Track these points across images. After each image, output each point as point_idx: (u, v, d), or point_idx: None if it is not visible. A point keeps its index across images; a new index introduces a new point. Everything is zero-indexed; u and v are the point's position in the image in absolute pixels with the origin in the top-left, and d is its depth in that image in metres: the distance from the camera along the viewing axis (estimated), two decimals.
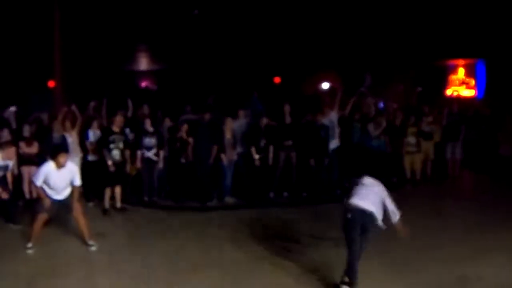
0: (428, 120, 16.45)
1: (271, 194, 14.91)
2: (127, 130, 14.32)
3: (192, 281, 9.10)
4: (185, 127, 14.36)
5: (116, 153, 13.59)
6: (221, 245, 10.95)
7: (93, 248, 10.63)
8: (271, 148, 14.61)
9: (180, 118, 15.38)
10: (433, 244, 10.78)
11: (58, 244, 10.89)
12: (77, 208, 10.66)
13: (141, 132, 14.30)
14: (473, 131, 17.12)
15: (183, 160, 14.33)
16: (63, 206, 10.54)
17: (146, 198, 14.27)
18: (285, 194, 14.99)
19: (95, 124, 14.24)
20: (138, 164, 14.18)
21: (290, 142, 14.70)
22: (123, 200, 13.85)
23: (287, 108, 14.95)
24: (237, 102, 16.72)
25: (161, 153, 14.31)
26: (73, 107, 14.52)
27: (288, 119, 14.91)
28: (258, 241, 11.17)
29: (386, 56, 23.50)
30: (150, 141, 14.18)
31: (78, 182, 10.60)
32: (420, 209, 13.44)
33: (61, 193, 10.47)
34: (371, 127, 15.66)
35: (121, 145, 13.69)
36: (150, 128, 14.24)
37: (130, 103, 15.60)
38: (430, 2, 22.62)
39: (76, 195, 10.65)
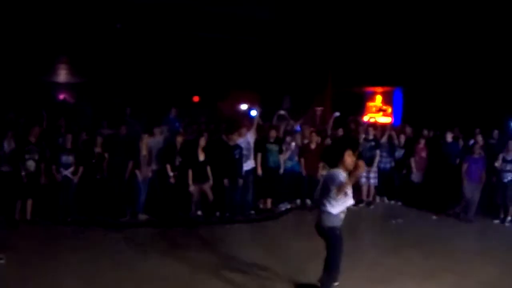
0: None
1: (180, 213, 14.79)
2: (43, 143, 14.05)
3: None
4: (99, 140, 14.21)
5: (30, 164, 13.39)
6: (132, 261, 10.85)
7: (2, 261, 10.38)
8: (190, 172, 14.51)
9: (96, 132, 15.20)
10: (346, 266, 10.90)
11: None
12: None
13: (57, 149, 14.06)
14: (387, 157, 17.42)
15: (98, 176, 14.17)
16: None
17: (60, 218, 13.86)
18: (199, 213, 14.89)
19: (10, 134, 13.93)
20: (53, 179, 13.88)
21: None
22: (34, 214, 13.61)
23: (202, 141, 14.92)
24: (155, 118, 16.63)
25: (80, 170, 14.09)
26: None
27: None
28: (169, 258, 11.11)
29: (305, 80, 23.79)
30: (67, 158, 13.95)
31: None
32: None
33: None
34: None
35: (36, 156, 13.48)
36: (69, 145, 14.01)
37: (44, 115, 15.35)
38: (351, 29, 23.01)
39: None
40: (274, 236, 13.33)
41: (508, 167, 15.32)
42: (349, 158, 8.54)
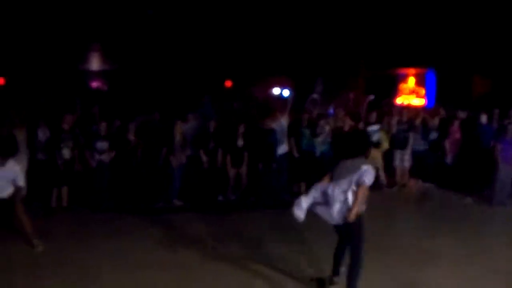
0: (374, 129, 16.59)
1: (220, 197, 14.92)
2: (77, 131, 14.17)
3: (139, 282, 9.06)
4: (132, 127, 14.31)
5: (65, 152, 13.49)
6: (168, 246, 10.91)
7: (39, 248, 10.48)
8: (220, 152, 14.65)
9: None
10: (379, 249, 10.89)
11: (1, 244, 10.74)
12: (19, 208, 10.50)
13: (92, 136, 14.16)
14: (421, 140, 17.30)
15: (133, 163, 14.29)
16: (3, 205, 10.35)
17: (96, 205, 13.91)
18: (233, 197, 14.98)
19: (42, 123, 14.06)
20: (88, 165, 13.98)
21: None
22: (70, 201, 13.75)
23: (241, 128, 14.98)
24: (188, 104, 16.68)
25: (112, 154, 14.14)
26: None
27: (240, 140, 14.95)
28: (205, 243, 11.21)
29: (337, 63, 23.69)
30: (102, 144, 14.00)
31: (21, 182, 10.46)
32: (369, 214, 13.58)
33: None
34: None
35: (70, 144, 13.59)
36: (103, 132, 14.10)
37: (78, 103, 15.46)
38: (383, 11, 22.84)
39: (18, 195, 10.50)
40: (307, 220, 13.30)
41: None
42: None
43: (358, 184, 8.11)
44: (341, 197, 8.20)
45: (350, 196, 8.19)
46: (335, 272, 8.91)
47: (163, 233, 11.93)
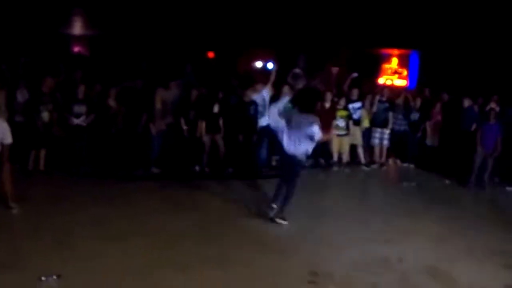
0: (356, 106, 16.63)
1: (196, 167, 14.84)
2: (58, 95, 14.01)
3: (118, 249, 8.93)
4: (113, 92, 14.18)
5: (44, 115, 13.36)
6: (147, 214, 10.87)
7: (15, 211, 10.42)
8: (200, 121, 14.54)
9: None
10: (357, 225, 10.99)
11: None
12: (6, 168, 10.38)
13: (70, 99, 13.99)
14: (402, 120, 17.34)
15: (113, 130, 14.20)
16: None
17: (73, 170, 13.81)
18: (210, 168, 14.90)
19: (22, 84, 13.89)
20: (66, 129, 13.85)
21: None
22: (48, 164, 13.64)
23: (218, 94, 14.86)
24: (170, 72, 16.56)
25: (91, 117, 14.00)
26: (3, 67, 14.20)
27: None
28: (184, 211, 11.21)
29: (321, 39, 23.61)
30: (80, 108, 13.86)
31: (9, 139, 10.33)
32: (346, 191, 13.64)
33: None
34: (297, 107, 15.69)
35: (50, 107, 13.46)
36: (80, 95, 13.92)
37: (62, 68, 15.29)
38: None
39: (6, 153, 10.36)
40: None
41: None
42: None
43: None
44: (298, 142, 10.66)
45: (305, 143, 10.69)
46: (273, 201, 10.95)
47: (141, 201, 11.89)
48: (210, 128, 14.62)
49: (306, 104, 11.63)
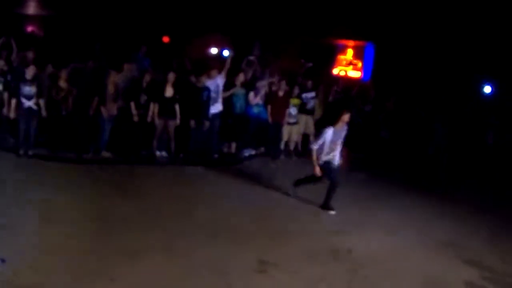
0: (310, 96, 16.70)
1: (148, 152, 14.74)
2: (9, 77, 13.78)
3: (62, 233, 8.84)
4: (64, 74, 13.98)
5: None
6: (93, 199, 10.79)
7: None
8: (152, 105, 14.41)
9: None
10: (307, 215, 11.05)
11: None
12: None
13: (20, 80, 13.68)
14: (354, 111, 17.46)
15: (63, 112, 14.00)
16: None
17: (21, 152, 13.49)
18: (163, 153, 14.84)
19: None
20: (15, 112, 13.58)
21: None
22: None
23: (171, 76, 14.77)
24: (124, 55, 16.40)
25: (41, 102, 13.69)
26: None
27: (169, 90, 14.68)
28: (132, 197, 11.15)
29: (277, 27, 23.60)
30: (29, 89, 13.49)
31: None
32: (295, 180, 13.68)
33: None
34: (251, 95, 15.69)
35: (0, 87, 13.22)
36: (29, 76, 13.55)
37: (14, 44, 15.00)
38: None
39: None
40: (235, 181, 13.36)
41: None
42: None
43: None
44: None
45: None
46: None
47: (89, 185, 11.80)
48: (164, 112, 14.51)
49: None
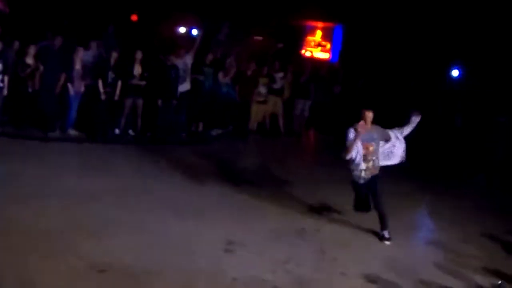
0: (278, 76, 16.73)
1: (116, 131, 14.66)
2: None
3: (29, 210, 8.70)
4: (32, 51, 13.81)
5: None
6: (61, 175, 10.65)
7: None
8: (119, 84, 14.30)
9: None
10: (276, 195, 11.04)
11: None
12: None
13: None
14: (323, 92, 17.53)
15: (29, 89, 13.82)
16: None
17: None
18: (130, 132, 14.77)
19: None
20: None
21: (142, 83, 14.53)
22: None
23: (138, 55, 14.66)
24: (91, 32, 16.24)
25: (6, 79, 13.47)
26: None
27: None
28: (99, 175, 11.01)
29: (246, 7, 23.53)
30: None
31: None
32: (266, 160, 13.69)
33: None
34: (220, 74, 15.68)
35: None
36: None
37: None
38: None
39: None
40: (202, 160, 13.36)
41: None
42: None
43: None
44: None
45: None
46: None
47: (56, 162, 11.68)
48: (132, 91, 14.45)
49: None
